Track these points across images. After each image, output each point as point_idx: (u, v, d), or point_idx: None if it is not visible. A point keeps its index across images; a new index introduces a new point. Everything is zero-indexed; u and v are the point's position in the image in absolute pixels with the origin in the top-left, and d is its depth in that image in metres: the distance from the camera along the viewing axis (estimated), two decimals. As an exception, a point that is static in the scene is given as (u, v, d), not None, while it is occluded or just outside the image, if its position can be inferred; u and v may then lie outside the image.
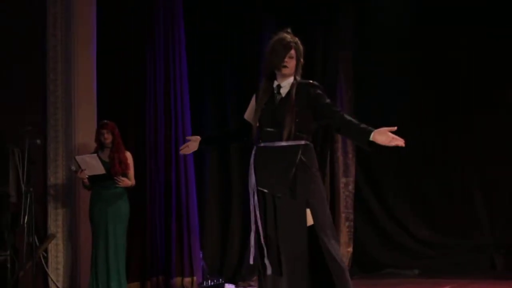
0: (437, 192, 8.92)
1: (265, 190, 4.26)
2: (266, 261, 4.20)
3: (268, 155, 4.27)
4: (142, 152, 7.34)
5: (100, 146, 6.57)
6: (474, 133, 8.65)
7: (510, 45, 8.44)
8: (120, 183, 6.42)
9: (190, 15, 7.88)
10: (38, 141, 6.62)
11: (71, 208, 6.96)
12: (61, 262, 6.97)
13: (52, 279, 6.91)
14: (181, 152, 4.74)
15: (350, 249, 8.48)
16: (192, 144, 4.67)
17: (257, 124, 4.34)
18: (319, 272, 4.19)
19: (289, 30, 4.37)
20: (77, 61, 6.99)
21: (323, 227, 4.18)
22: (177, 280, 7.46)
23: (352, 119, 4.17)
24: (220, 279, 7.87)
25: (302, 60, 4.35)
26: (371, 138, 4.01)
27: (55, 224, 6.97)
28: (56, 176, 7.00)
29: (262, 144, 4.32)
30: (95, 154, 6.43)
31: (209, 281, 7.74)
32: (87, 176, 6.41)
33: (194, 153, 7.57)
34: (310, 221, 4.18)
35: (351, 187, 8.59)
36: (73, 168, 6.58)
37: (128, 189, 6.57)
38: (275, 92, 4.34)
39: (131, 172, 6.60)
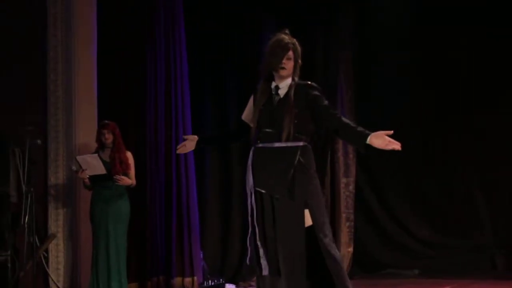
0: (438, 192, 8.92)
1: (263, 191, 4.26)
2: (263, 262, 4.22)
3: (267, 155, 4.28)
4: (143, 152, 7.34)
5: (100, 146, 6.57)
6: (474, 133, 8.64)
7: (510, 45, 8.44)
8: (119, 181, 6.42)
9: (190, 15, 7.88)
10: (39, 141, 6.63)
11: (72, 208, 6.96)
12: (61, 262, 6.97)
13: (52, 279, 6.92)
14: (178, 151, 4.74)
15: (351, 249, 8.48)
16: (189, 143, 4.67)
17: (255, 125, 4.35)
18: (317, 272, 4.21)
19: (287, 31, 4.38)
20: (77, 62, 6.99)
21: (321, 227, 4.20)
22: (178, 280, 7.45)
23: (350, 122, 4.20)
24: (221, 279, 7.86)
25: (300, 61, 4.36)
26: (368, 141, 4.02)
27: (55, 224, 6.97)
28: (56, 176, 7.00)
29: (260, 145, 4.33)
30: (96, 154, 6.44)
31: (210, 281, 7.73)
32: (88, 176, 6.41)
33: (195, 153, 7.67)
34: (308, 221, 4.19)
35: (351, 187, 8.59)
36: (74, 168, 6.58)
37: (128, 189, 6.58)
38: (273, 93, 4.35)
39: (132, 172, 6.60)
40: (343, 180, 8.51)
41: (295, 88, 4.31)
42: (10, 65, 6.89)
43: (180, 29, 7.67)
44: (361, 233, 8.84)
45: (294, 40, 4.34)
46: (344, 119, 4.21)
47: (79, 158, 6.42)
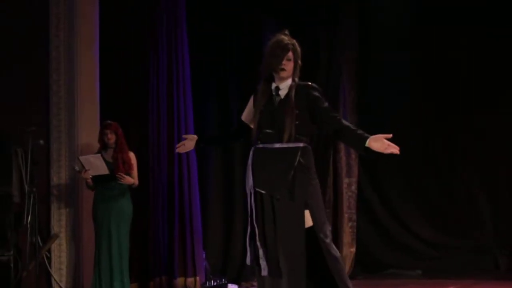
0: (440, 192, 8.91)
1: (263, 191, 4.27)
2: (262, 262, 4.22)
3: (267, 156, 4.29)
4: (145, 153, 7.34)
5: (103, 147, 6.57)
6: (476, 133, 8.64)
7: (510, 45, 8.43)
8: (122, 180, 6.42)
9: (190, 16, 7.88)
10: (41, 142, 6.63)
11: (74, 208, 6.97)
12: (64, 262, 6.98)
13: (55, 279, 6.93)
14: (177, 150, 4.75)
15: (353, 250, 8.48)
16: (189, 143, 4.68)
17: (256, 126, 4.35)
18: (318, 272, 4.21)
19: (286, 32, 4.38)
20: (80, 62, 7.00)
21: (322, 227, 4.21)
22: (180, 280, 7.46)
23: (350, 125, 4.21)
24: (223, 279, 7.87)
25: (300, 62, 4.36)
26: (367, 144, 4.04)
27: (58, 224, 6.98)
28: (59, 176, 7.01)
29: (260, 145, 4.33)
30: (99, 154, 6.44)
31: (212, 281, 7.74)
32: (90, 176, 6.42)
33: (197, 153, 7.67)
34: (308, 222, 4.20)
35: (354, 187, 8.59)
36: (77, 168, 6.59)
37: (131, 189, 6.58)
38: (274, 94, 4.35)
39: (135, 172, 6.61)
40: (346, 180, 8.51)
41: (295, 89, 4.31)
42: (13, 65, 6.90)
43: (182, 30, 7.68)
44: (363, 233, 8.83)
45: (294, 41, 4.34)
46: (344, 122, 4.22)
47: (82, 158, 6.43)
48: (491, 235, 8.67)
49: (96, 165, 6.36)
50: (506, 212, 8.60)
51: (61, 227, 6.99)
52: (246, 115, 4.51)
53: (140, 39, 7.47)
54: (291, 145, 4.24)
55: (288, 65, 4.30)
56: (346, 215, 8.48)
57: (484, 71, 8.63)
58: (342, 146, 8.53)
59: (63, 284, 6.92)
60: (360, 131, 4.12)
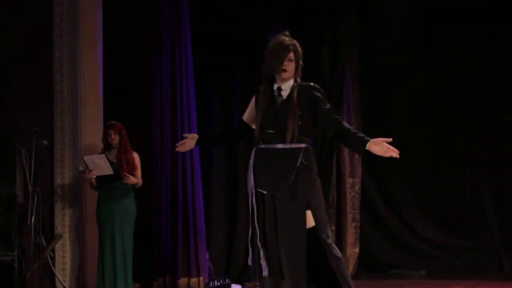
0: (444, 192, 8.90)
1: (265, 192, 4.27)
2: (262, 263, 4.22)
3: (269, 156, 4.28)
4: (149, 153, 7.35)
5: (107, 147, 6.58)
6: (478, 133, 8.62)
7: (510, 45, 8.41)
8: (126, 180, 6.43)
9: (193, 16, 7.89)
10: (45, 142, 6.65)
11: (78, 209, 6.98)
12: (68, 262, 6.99)
13: (59, 279, 6.94)
14: (177, 149, 4.74)
15: (357, 250, 8.46)
16: (189, 142, 4.68)
17: (258, 126, 4.35)
18: (319, 273, 4.21)
19: (287, 32, 4.37)
20: (83, 62, 7.01)
21: (324, 228, 4.21)
22: (184, 280, 7.45)
23: (350, 127, 4.22)
24: (227, 280, 7.86)
25: (301, 62, 4.35)
26: (367, 147, 4.06)
27: (62, 224, 7.00)
28: (63, 176, 7.03)
29: (262, 146, 4.33)
30: (103, 155, 6.44)
31: (216, 281, 7.73)
32: (94, 177, 6.43)
33: (201, 153, 7.66)
34: (310, 222, 4.20)
35: (357, 187, 8.57)
36: (81, 168, 6.60)
37: (134, 189, 6.59)
38: (276, 94, 4.34)
39: (139, 172, 6.62)
40: (349, 181, 8.50)
41: (297, 89, 4.31)
42: (16, 66, 6.92)
43: (186, 29, 7.67)
44: (367, 234, 8.81)
45: (295, 41, 4.33)
46: (345, 124, 4.23)
47: (86, 158, 6.44)
48: (495, 236, 8.65)
49: (101, 166, 6.36)
50: (510, 212, 8.58)
51: (65, 227, 7.00)
52: (248, 115, 4.51)
53: (143, 39, 7.48)
54: (293, 145, 4.24)
55: (290, 66, 4.29)
56: (349, 215, 8.46)
57: (484, 71, 8.61)
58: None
59: (66, 284, 6.94)
60: (360, 134, 4.13)
